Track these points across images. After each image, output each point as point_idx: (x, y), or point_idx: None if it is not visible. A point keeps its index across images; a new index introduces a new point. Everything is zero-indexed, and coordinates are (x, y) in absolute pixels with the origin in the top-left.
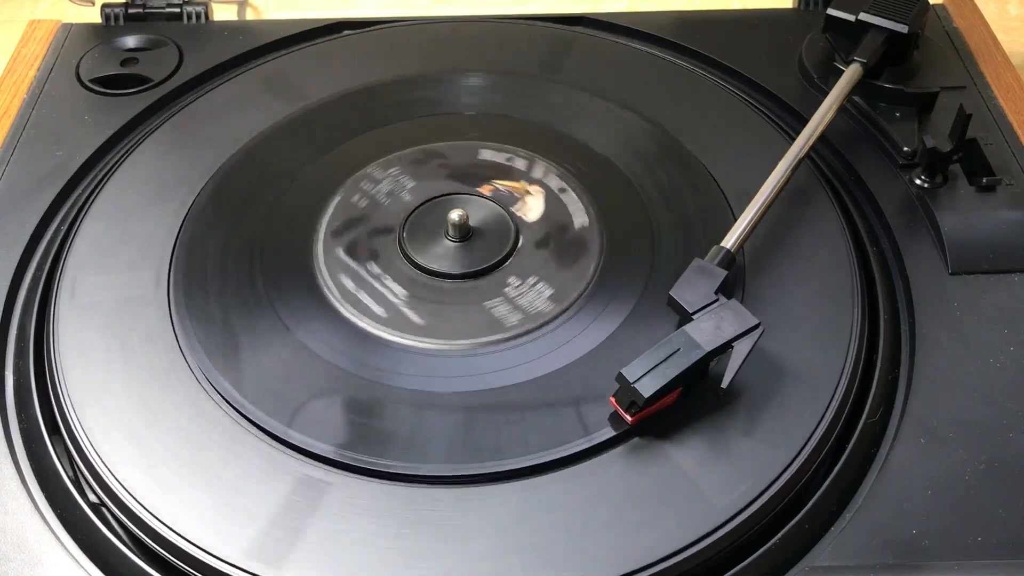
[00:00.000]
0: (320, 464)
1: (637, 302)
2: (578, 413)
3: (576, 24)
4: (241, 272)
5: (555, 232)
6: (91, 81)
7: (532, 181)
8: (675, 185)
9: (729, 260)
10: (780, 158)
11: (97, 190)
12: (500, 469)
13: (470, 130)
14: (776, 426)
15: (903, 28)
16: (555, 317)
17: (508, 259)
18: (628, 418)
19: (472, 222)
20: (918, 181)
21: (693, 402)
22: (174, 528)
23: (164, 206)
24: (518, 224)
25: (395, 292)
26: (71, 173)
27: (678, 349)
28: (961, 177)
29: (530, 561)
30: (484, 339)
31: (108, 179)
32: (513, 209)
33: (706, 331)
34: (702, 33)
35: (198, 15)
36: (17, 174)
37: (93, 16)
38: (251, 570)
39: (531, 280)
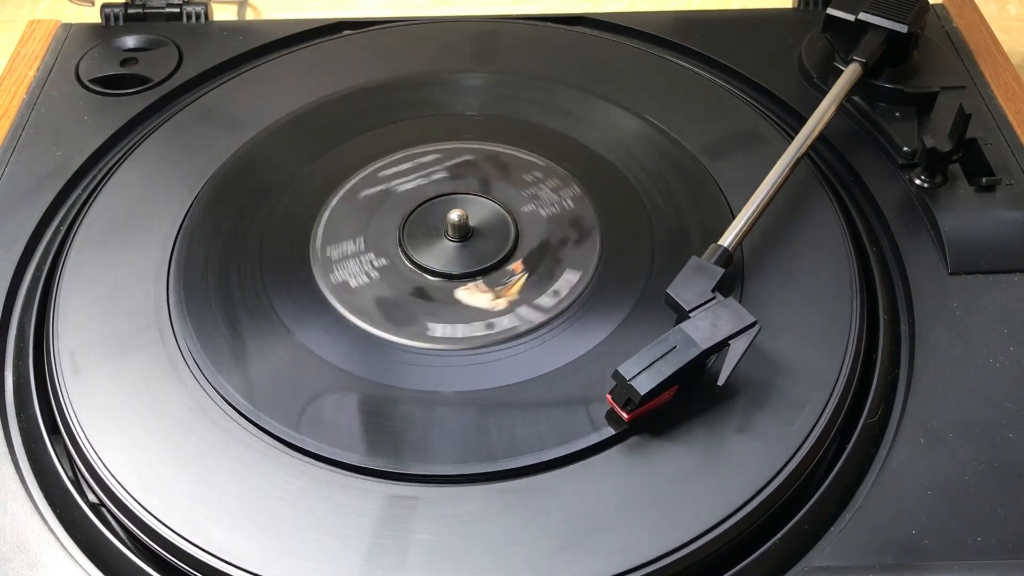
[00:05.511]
0: (323, 465)
1: (636, 301)
2: (574, 412)
3: (576, 24)
4: (241, 272)
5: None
6: (91, 81)
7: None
8: (674, 184)
9: (726, 258)
10: (779, 157)
11: (97, 190)
12: (502, 468)
13: (470, 130)
14: (775, 425)
15: (903, 28)
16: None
17: (508, 259)
18: (624, 415)
19: (472, 222)
20: (918, 181)
21: (690, 400)
22: (174, 528)
23: (164, 206)
24: (518, 224)
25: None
26: (71, 173)
27: (674, 347)
28: (961, 177)
29: (530, 558)
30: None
31: (108, 179)
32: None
33: (702, 329)
34: (702, 33)
35: (198, 15)
36: (17, 174)
37: (93, 16)
38: (251, 570)
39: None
